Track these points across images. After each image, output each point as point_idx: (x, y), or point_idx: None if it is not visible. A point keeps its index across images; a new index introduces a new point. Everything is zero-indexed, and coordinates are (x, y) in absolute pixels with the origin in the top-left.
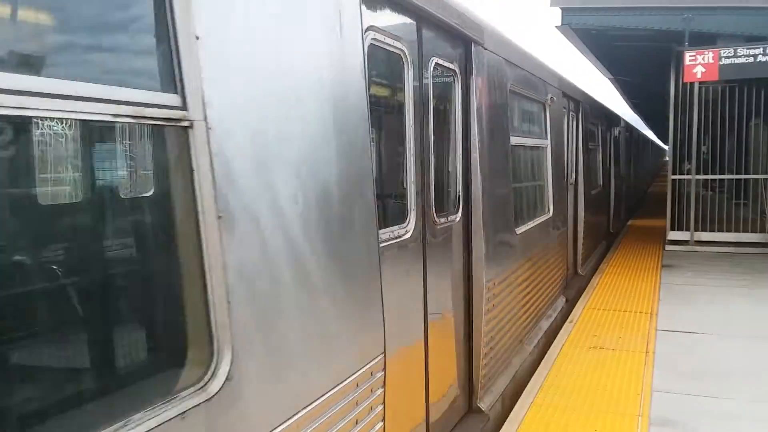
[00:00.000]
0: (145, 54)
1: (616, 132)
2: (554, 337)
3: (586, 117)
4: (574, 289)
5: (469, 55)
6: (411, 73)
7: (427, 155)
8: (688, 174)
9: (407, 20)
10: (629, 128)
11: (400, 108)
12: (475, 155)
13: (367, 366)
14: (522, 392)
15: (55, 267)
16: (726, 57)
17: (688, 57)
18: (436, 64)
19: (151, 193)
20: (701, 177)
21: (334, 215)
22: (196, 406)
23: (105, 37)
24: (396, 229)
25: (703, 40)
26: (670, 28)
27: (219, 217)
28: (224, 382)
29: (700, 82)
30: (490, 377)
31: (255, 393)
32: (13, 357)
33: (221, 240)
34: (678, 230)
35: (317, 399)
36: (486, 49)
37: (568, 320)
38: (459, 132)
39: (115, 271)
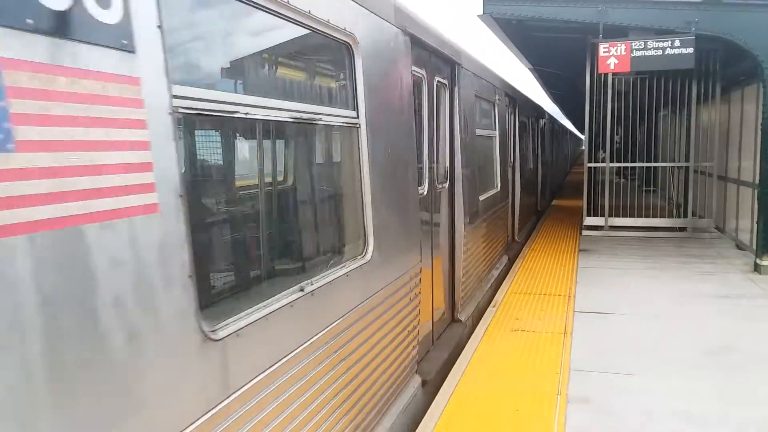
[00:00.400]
0: (348, 95)
1: (542, 123)
2: (500, 286)
3: (520, 111)
4: (513, 251)
5: (454, 72)
6: (425, 88)
7: (432, 144)
8: (602, 162)
9: (424, 54)
10: (552, 120)
11: (420, 111)
12: (457, 144)
13: (414, 266)
14: (480, 319)
15: (312, 196)
16: (637, 49)
17: (602, 49)
18: (438, 81)
19: (342, 158)
20: (614, 165)
21: (403, 173)
22: (358, 267)
23: (337, 88)
24: (419, 188)
25: (617, 32)
26: (585, 20)
27: (369, 170)
28: (369, 257)
29: (614, 73)
30: (465, 299)
31: (380, 265)
32: (296, 239)
33: (369, 182)
34: (594, 216)
35: (401, 274)
36: (462, 67)
37: (492, 304)
38: (448, 127)
39: (331, 200)
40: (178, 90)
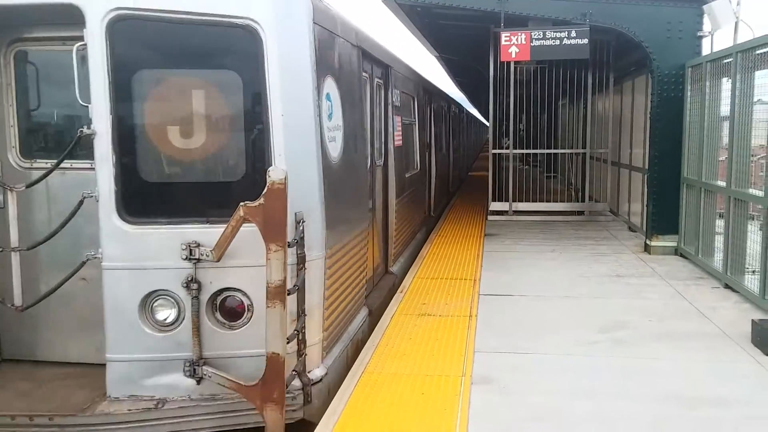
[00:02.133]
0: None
1: (452, 111)
2: (420, 248)
3: (434, 101)
4: (428, 226)
5: (387, 73)
6: (368, 87)
7: (373, 129)
8: (506, 149)
9: (369, 61)
10: (460, 108)
11: (365, 104)
12: (391, 129)
13: (366, 227)
14: (406, 273)
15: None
16: (536, 39)
17: (503, 37)
18: (377, 81)
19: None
20: (518, 151)
21: (362, 150)
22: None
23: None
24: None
25: (517, 21)
26: (487, 9)
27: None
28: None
29: (516, 63)
30: (395, 255)
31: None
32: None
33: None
34: (499, 201)
35: (360, 231)
36: (393, 69)
37: (399, 290)
38: (383, 116)
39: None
40: None
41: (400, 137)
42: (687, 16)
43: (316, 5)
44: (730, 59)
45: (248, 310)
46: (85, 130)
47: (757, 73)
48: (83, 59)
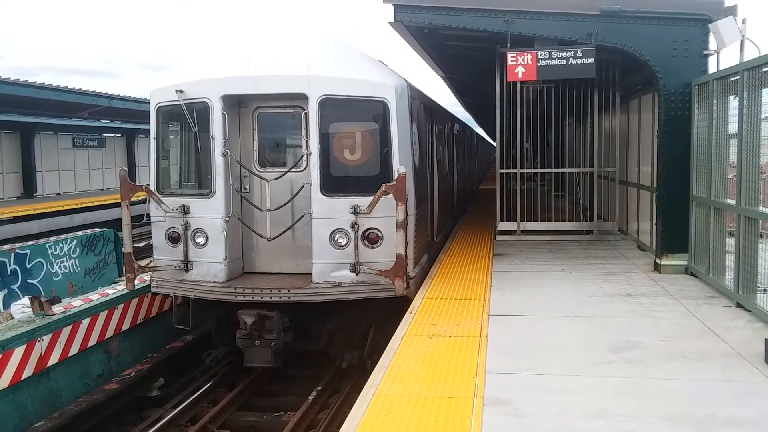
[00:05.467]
0: None
1: (456, 131)
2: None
3: (437, 121)
4: (432, 249)
5: (432, 115)
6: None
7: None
8: (514, 168)
9: (416, 103)
10: (464, 127)
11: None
12: (433, 149)
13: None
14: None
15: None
16: (542, 59)
17: (510, 58)
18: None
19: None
20: (526, 171)
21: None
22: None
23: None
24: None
25: (523, 42)
26: (493, 29)
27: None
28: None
29: (522, 82)
30: (437, 232)
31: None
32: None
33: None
34: (507, 221)
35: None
36: (415, 99)
37: (408, 311)
38: (429, 142)
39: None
40: None
41: (441, 153)
42: (693, 34)
43: (410, 87)
44: (737, 77)
45: (380, 239)
46: (305, 150)
47: (765, 91)
48: (306, 116)
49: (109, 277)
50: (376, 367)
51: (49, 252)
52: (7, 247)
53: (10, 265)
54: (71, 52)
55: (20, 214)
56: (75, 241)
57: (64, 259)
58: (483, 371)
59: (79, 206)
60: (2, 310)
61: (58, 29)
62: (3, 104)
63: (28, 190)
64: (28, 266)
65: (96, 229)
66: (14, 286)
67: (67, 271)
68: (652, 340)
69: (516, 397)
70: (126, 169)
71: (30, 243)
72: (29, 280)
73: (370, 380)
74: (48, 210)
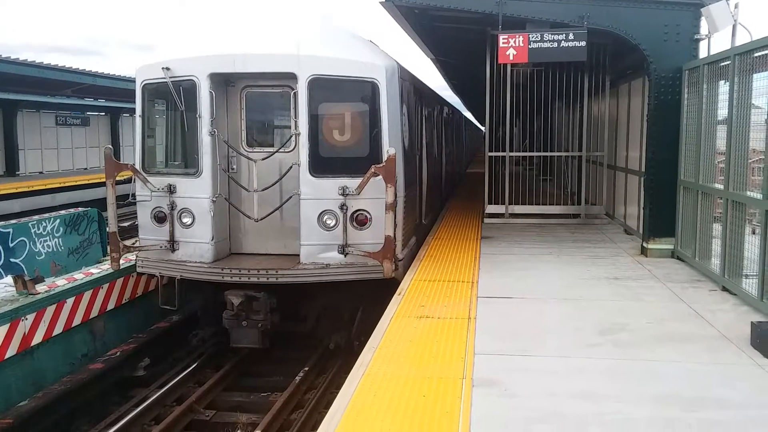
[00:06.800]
0: None
1: (445, 114)
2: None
3: (426, 103)
4: (420, 233)
5: (422, 96)
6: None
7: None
8: (502, 151)
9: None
10: (453, 111)
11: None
12: (423, 131)
13: (416, 187)
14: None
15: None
16: (534, 41)
17: (501, 40)
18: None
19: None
20: (515, 154)
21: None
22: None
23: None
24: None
25: (515, 24)
26: (485, 11)
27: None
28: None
29: (512, 65)
30: (425, 214)
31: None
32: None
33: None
34: (495, 204)
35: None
36: (405, 80)
37: (397, 292)
38: (419, 123)
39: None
40: None
41: (429, 136)
42: (684, 18)
43: (401, 68)
44: (728, 62)
45: (369, 220)
46: (294, 131)
47: (756, 76)
48: (295, 96)
49: (93, 256)
50: (365, 347)
51: (32, 231)
52: None
53: None
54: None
55: (2, 192)
56: (58, 221)
57: (48, 238)
58: (472, 352)
59: (62, 185)
60: None
61: (37, 7)
62: None
63: (11, 168)
64: (11, 245)
65: (80, 209)
66: None
67: (50, 250)
68: (640, 323)
69: (505, 378)
70: (111, 147)
71: (13, 221)
72: (12, 259)
73: (360, 360)
74: (30, 189)
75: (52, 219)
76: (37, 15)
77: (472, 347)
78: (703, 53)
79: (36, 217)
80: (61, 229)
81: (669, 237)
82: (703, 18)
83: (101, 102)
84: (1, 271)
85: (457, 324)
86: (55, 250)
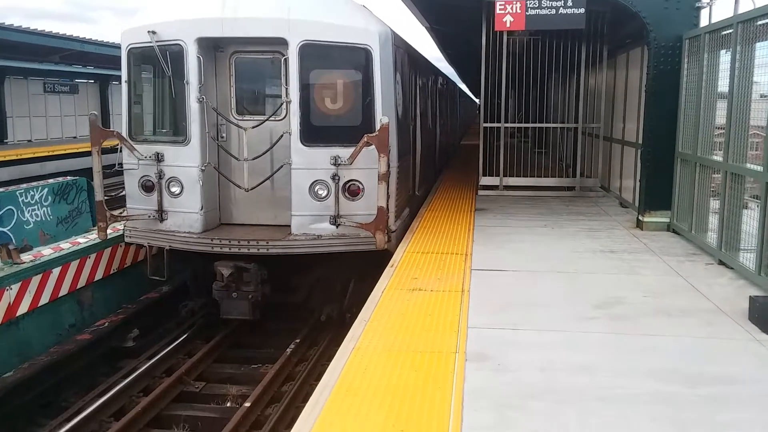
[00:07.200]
0: None
1: (439, 85)
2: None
3: (420, 73)
4: (414, 204)
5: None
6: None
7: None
8: (498, 122)
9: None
10: (448, 81)
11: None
12: (417, 101)
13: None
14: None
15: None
16: (532, 8)
17: (498, 6)
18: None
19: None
20: (510, 125)
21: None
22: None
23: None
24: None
25: None
26: None
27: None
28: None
29: (508, 34)
30: (419, 184)
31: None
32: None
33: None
34: (489, 176)
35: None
36: (399, 48)
37: (389, 264)
38: (413, 93)
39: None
40: None
41: (423, 106)
42: None
43: (395, 35)
44: (730, 30)
45: (361, 191)
46: (285, 98)
47: (759, 44)
48: (285, 62)
49: (82, 226)
50: (356, 320)
51: (20, 200)
52: None
53: None
54: None
55: None
56: (47, 189)
57: (36, 207)
58: (465, 326)
59: (51, 154)
60: None
61: None
62: None
63: None
64: None
65: (68, 177)
66: None
67: (38, 219)
68: (636, 296)
69: (498, 352)
70: (96, 113)
71: (0, 190)
72: None
73: (350, 334)
74: (19, 157)
75: (41, 188)
76: None
77: (465, 320)
78: (704, 22)
79: (24, 185)
80: (50, 198)
81: (665, 210)
82: None
83: (90, 69)
84: None
85: (450, 297)
86: (43, 219)
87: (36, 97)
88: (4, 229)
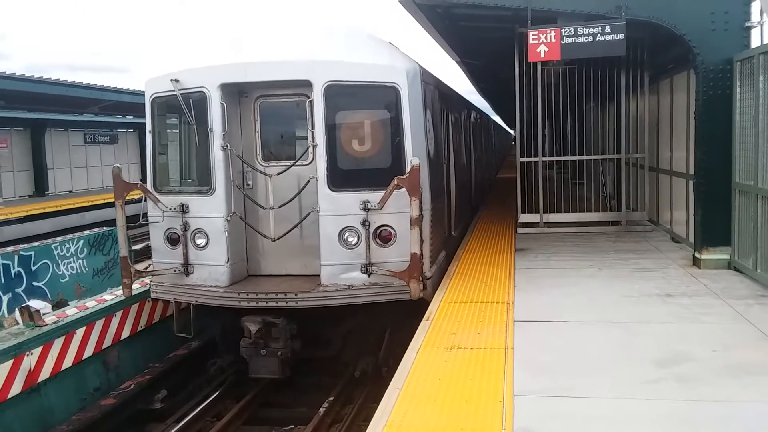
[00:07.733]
0: None
1: (473, 119)
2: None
3: (453, 108)
4: (450, 246)
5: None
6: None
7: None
8: (535, 156)
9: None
10: (481, 115)
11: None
12: (450, 138)
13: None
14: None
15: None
16: (567, 36)
17: (531, 36)
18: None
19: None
20: (548, 159)
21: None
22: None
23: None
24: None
25: (545, 20)
26: (513, 5)
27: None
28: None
29: (543, 64)
30: (455, 224)
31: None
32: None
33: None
34: (528, 213)
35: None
36: (429, 84)
37: (425, 317)
38: (445, 131)
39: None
40: None
41: (457, 143)
42: (733, 4)
43: (423, 71)
44: None
45: (393, 237)
46: (311, 142)
47: None
48: (311, 105)
49: (119, 276)
50: (389, 387)
51: (55, 253)
52: (10, 248)
53: (14, 268)
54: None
55: (30, 213)
56: (82, 241)
57: (71, 259)
58: (511, 393)
59: (90, 204)
60: (7, 315)
61: (52, 26)
62: (12, 101)
63: (40, 188)
64: (33, 268)
65: (104, 228)
66: (19, 290)
67: (74, 272)
68: (704, 351)
69: (552, 427)
70: (119, 166)
71: (35, 244)
72: (35, 283)
73: (381, 407)
74: (59, 208)
75: (76, 240)
76: (63, 34)
77: (511, 386)
78: (755, 42)
79: (59, 238)
80: (85, 249)
81: (725, 246)
82: (754, 3)
83: (129, 118)
84: (24, 296)
85: (492, 355)
86: (79, 271)
87: (77, 148)
88: (40, 284)
